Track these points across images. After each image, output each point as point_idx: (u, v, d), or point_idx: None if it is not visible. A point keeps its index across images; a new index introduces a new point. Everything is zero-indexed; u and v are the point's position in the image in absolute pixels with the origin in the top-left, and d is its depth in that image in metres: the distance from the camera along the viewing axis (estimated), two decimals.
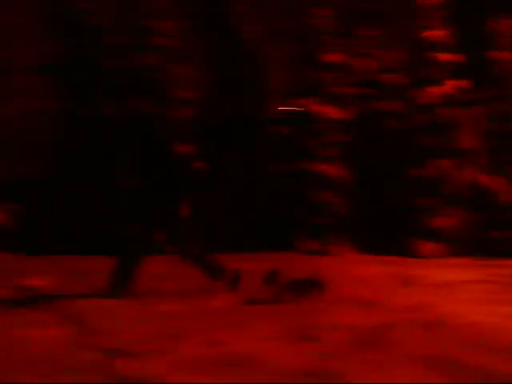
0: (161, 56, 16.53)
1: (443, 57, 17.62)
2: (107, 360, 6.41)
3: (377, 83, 17.91)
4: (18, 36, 17.98)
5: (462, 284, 11.02)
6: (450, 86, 17.45)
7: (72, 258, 13.86)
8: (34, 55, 18.54)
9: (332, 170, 16.75)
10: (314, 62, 17.13)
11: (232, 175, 17.10)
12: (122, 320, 8.02)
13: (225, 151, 17.20)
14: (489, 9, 17.98)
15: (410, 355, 6.42)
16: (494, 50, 17.66)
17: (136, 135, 16.12)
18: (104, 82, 17.06)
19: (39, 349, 6.70)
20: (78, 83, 16.93)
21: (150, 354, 6.51)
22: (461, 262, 15.26)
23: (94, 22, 17.07)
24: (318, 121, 16.91)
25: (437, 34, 17.61)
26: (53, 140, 16.53)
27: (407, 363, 6.17)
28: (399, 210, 17.17)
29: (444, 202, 17.16)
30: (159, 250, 10.47)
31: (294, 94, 17.15)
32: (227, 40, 17.52)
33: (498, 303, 9.09)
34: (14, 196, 15.99)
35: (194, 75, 17.01)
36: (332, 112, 17.00)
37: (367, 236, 16.74)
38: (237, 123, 17.25)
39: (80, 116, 16.63)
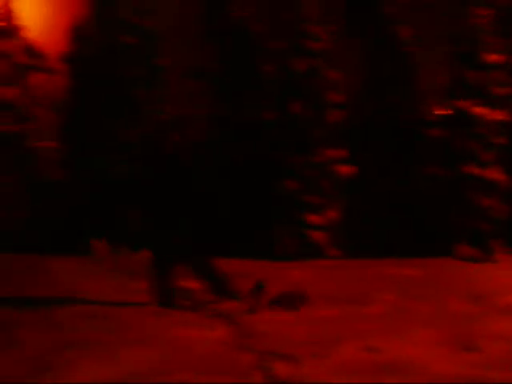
0: (314, 59, 16.54)
1: None
2: (264, 362, 6.44)
3: None
4: (175, 43, 18.40)
5: None
6: None
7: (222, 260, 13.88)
8: (190, 61, 18.92)
9: (492, 174, 16.28)
10: (472, 62, 16.69)
11: (382, 179, 16.92)
12: (277, 323, 8.04)
13: (376, 155, 17.02)
14: None
15: None
16: None
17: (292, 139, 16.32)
18: (259, 87, 17.23)
19: (199, 348, 6.82)
20: (233, 88, 17.17)
21: (306, 358, 6.49)
22: None
23: (249, 27, 17.28)
24: (476, 123, 16.46)
25: None
26: (208, 144, 16.80)
27: None
28: None
29: None
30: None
31: (451, 96, 16.76)
32: (380, 41, 17.35)
33: None
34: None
35: (346, 78, 16.94)
36: (492, 114, 16.52)
37: None
38: (389, 125, 17.04)
39: (235, 120, 16.84)
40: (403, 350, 6.85)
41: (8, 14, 17.27)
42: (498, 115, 16.56)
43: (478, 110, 16.50)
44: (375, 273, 12.37)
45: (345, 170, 16.28)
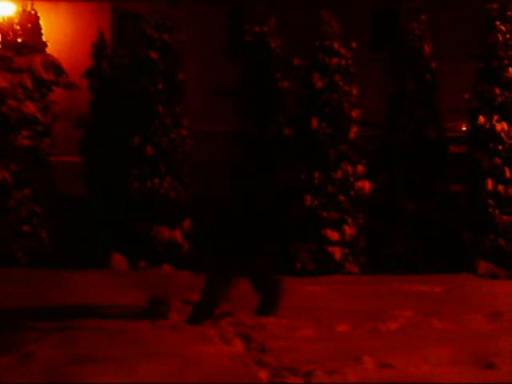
0: (334, 75, 16.55)
1: None
2: (279, 378, 6.45)
3: None
4: (196, 58, 18.50)
5: None
6: None
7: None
8: (211, 77, 19.03)
9: (507, 191, 16.22)
10: (496, 78, 16.61)
11: (402, 196, 16.85)
12: (293, 339, 8.04)
13: (397, 171, 16.97)
14: None
15: None
16: None
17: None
18: (279, 103, 17.26)
19: (214, 363, 6.84)
20: (253, 104, 17.21)
21: (321, 374, 6.49)
22: None
23: (269, 42, 17.32)
24: (499, 139, 16.40)
25: None
26: (229, 161, 16.84)
27: None
28: None
29: None
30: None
31: (474, 112, 16.68)
32: (403, 57, 17.30)
33: None
34: (186, 214, 16.39)
35: (368, 94, 16.95)
36: (508, 130, 16.44)
37: None
38: (411, 142, 16.97)
39: (256, 137, 16.89)
40: (419, 367, 6.85)
41: (30, 30, 17.44)
42: None
43: (501, 127, 16.43)
44: (393, 289, 12.35)
45: (363, 186, 16.29)
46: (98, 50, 17.67)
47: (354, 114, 16.67)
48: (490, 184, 16.20)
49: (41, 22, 17.82)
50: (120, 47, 18.28)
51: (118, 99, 17.30)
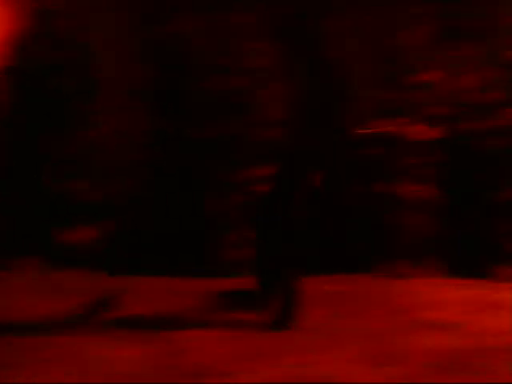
0: (249, 77, 16.70)
1: None
2: (193, 378, 6.54)
3: (467, 102, 17.60)
4: (113, 57, 18.37)
5: None
6: None
7: (155, 278, 13.74)
8: (126, 77, 18.91)
9: (419, 192, 16.61)
10: (402, 81, 17.00)
11: (318, 196, 17.07)
12: (206, 340, 8.14)
13: (308, 173, 17.18)
14: None
15: (498, 380, 6.37)
16: None
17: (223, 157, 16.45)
18: (193, 104, 17.30)
19: (124, 367, 6.88)
20: (168, 105, 17.22)
21: (235, 374, 6.61)
22: None
23: (183, 44, 17.34)
24: (405, 141, 16.78)
25: None
26: (143, 160, 16.85)
27: None
28: (483, 233, 16.86)
29: None
30: None
31: (381, 115, 17.03)
32: (314, 60, 17.54)
33: None
34: (103, 215, 16.33)
35: (281, 96, 17.12)
36: (421, 132, 16.85)
37: (452, 259, 16.49)
38: (323, 144, 17.22)
39: (170, 137, 16.92)
40: (327, 366, 7.04)
41: None
42: (425, 134, 16.88)
43: (406, 129, 16.81)
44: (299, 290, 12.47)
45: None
46: (13, 47, 17.43)
47: (273, 114, 16.79)
48: (394, 184, 16.54)
49: None
50: (36, 44, 18.06)
51: (33, 97, 17.11)
